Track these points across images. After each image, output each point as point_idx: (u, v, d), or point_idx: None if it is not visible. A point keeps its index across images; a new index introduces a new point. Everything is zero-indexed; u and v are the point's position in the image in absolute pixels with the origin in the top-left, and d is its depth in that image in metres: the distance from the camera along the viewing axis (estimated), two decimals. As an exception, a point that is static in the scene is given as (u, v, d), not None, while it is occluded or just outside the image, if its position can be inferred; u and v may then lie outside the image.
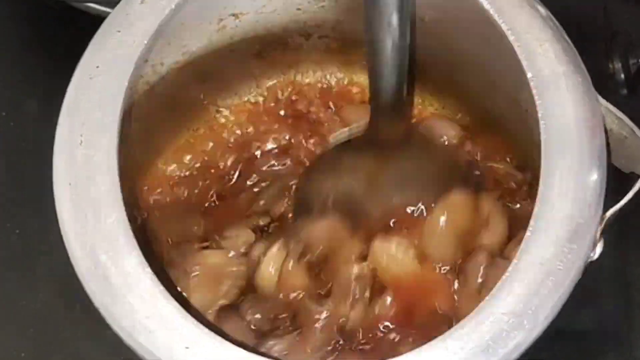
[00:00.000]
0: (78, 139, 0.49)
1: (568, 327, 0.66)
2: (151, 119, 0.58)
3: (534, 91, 0.50)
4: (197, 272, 0.56)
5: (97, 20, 0.53)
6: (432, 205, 0.57)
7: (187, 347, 0.45)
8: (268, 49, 0.62)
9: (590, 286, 0.66)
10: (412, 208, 0.57)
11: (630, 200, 0.50)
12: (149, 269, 0.46)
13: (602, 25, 0.78)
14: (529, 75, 0.50)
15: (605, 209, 0.49)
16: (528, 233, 0.47)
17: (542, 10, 0.52)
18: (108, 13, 0.53)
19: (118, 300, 0.46)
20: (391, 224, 0.58)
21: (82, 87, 0.50)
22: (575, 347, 0.69)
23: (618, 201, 0.49)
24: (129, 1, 0.52)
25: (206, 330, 0.45)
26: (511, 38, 0.51)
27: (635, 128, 0.51)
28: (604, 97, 0.52)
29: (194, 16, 0.55)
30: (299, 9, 0.60)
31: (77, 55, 0.52)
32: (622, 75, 0.75)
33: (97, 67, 0.51)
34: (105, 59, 0.51)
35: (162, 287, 0.46)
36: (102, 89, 0.50)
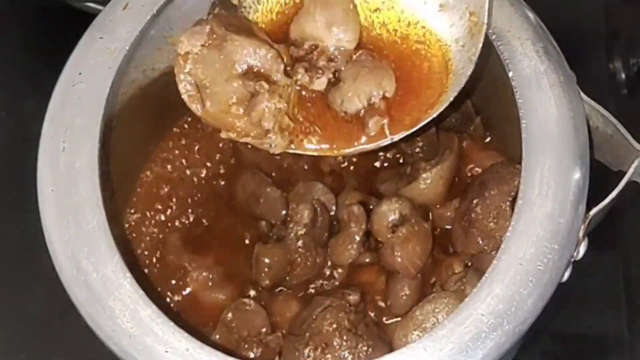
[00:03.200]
0: (61, 146, 0.49)
1: (569, 330, 0.68)
2: (142, 122, 0.58)
3: (515, 90, 0.50)
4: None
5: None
6: None
7: (166, 351, 0.45)
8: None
9: (590, 289, 0.67)
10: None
11: (620, 199, 0.50)
12: (129, 274, 0.47)
13: (603, 25, 0.78)
14: (510, 74, 0.50)
15: (590, 208, 0.49)
16: (508, 233, 0.47)
17: (523, 8, 0.52)
18: None
19: (99, 304, 0.46)
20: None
21: (65, 94, 0.51)
22: (576, 350, 0.69)
23: (603, 199, 0.49)
24: (112, 7, 0.52)
25: (186, 334, 0.46)
26: (492, 37, 0.51)
27: (619, 126, 0.51)
28: (604, 97, 0.52)
29: (181, 21, 0.55)
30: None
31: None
32: (623, 75, 0.75)
33: (80, 73, 0.51)
34: (87, 65, 0.51)
35: (142, 292, 0.46)
36: (84, 95, 0.50)
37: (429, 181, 0.57)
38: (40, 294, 0.70)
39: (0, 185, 0.75)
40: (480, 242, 0.53)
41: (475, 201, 0.54)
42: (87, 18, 0.68)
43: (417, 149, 0.60)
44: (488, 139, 0.61)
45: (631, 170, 0.51)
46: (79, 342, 0.65)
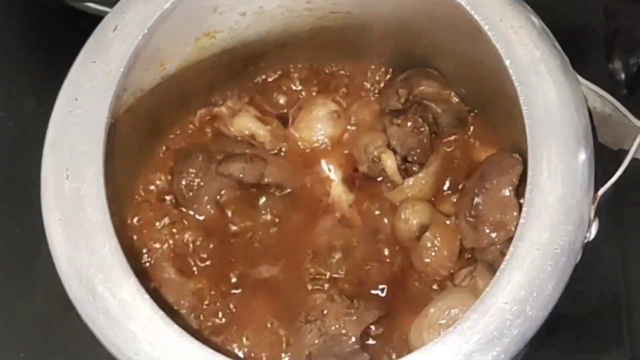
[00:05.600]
0: (64, 173, 0.49)
1: (567, 313, 0.66)
2: (131, 140, 0.59)
3: (514, 78, 0.51)
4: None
5: (95, 19, 0.54)
6: None
7: None
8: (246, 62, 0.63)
9: (589, 272, 0.68)
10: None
11: (623, 178, 0.51)
12: (147, 296, 0.47)
13: (603, 24, 0.79)
14: (507, 62, 0.51)
15: (597, 188, 0.50)
16: (522, 220, 0.48)
17: None
18: (106, 12, 0.53)
19: (120, 329, 0.46)
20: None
21: (63, 121, 0.51)
22: (574, 332, 0.70)
23: (609, 179, 0.51)
24: (102, 30, 0.53)
25: (210, 350, 0.46)
26: (485, 27, 0.52)
27: (618, 104, 0.52)
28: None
29: (168, 39, 0.56)
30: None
31: (76, 54, 0.53)
32: (622, 75, 0.76)
33: (76, 99, 0.51)
34: (83, 90, 0.51)
35: (162, 313, 0.47)
36: (83, 121, 0.51)
37: (411, 183, 0.59)
38: (39, 294, 0.70)
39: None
40: (491, 234, 0.54)
41: (477, 195, 0.56)
42: (86, 18, 0.71)
43: (413, 154, 0.61)
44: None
45: (634, 147, 0.52)
46: (79, 342, 0.65)
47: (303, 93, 0.65)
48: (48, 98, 0.52)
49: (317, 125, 0.63)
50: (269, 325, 0.58)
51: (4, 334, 0.70)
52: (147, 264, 0.60)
